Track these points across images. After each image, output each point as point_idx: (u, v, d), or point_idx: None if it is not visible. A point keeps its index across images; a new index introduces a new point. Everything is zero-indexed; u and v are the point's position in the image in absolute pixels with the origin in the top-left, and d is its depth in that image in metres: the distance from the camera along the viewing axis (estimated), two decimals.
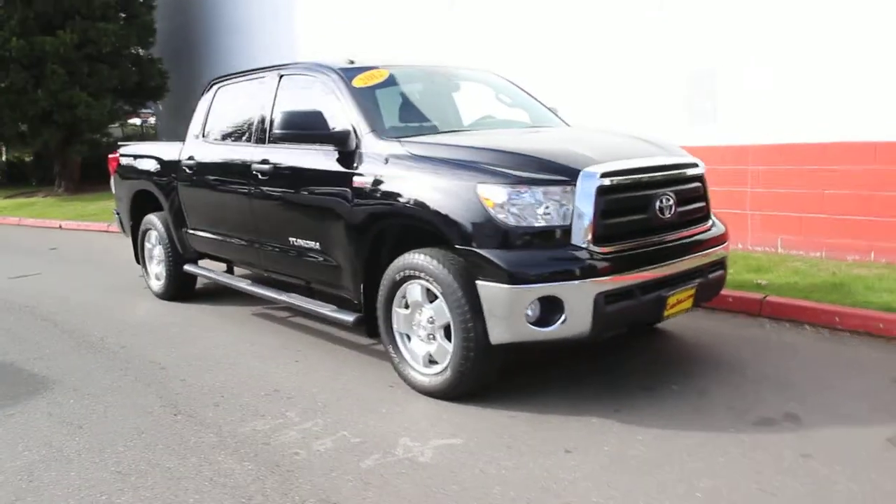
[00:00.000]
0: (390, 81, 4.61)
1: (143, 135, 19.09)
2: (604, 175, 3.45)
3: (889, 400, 3.57)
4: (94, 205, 13.91)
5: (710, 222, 4.07)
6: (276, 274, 5.04)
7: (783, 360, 4.15)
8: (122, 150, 6.94)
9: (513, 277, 3.28)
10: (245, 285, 5.29)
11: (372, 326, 4.10)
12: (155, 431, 3.48)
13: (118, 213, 7.10)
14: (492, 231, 3.37)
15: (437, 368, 3.70)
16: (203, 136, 5.61)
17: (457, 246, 3.46)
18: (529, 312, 3.31)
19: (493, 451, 3.11)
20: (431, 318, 3.68)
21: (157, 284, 6.41)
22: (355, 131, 4.11)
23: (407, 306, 3.84)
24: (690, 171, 3.94)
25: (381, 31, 10.33)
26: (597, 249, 3.40)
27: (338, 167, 4.13)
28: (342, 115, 4.21)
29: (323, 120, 4.13)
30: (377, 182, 3.88)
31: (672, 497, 2.70)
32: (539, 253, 3.37)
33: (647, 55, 7.43)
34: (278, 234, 4.72)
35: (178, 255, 6.10)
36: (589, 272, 3.34)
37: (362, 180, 3.96)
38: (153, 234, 6.36)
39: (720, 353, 4.33)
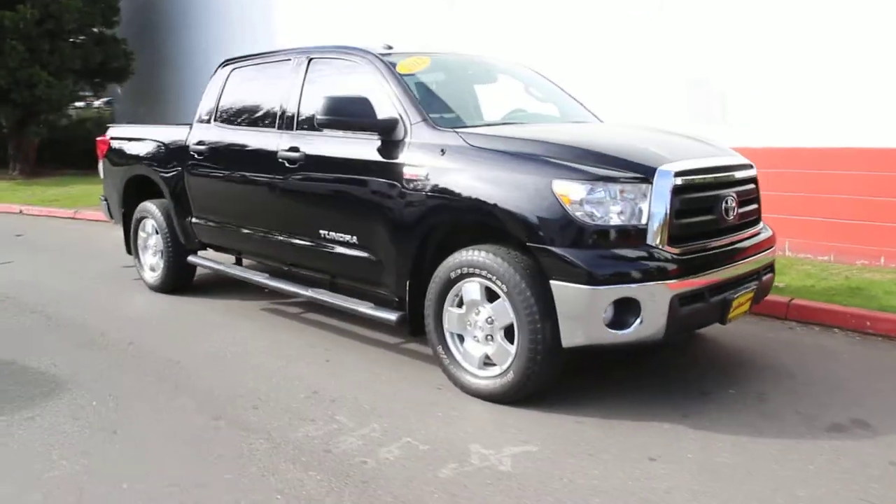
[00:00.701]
0: (431, 69, 4.41)
1: (100, 118, 18.19)
2: (677, 174, 3.34)
3: None
4: (55, 189, 13.24)
5: (761, 224, 4.02)
6: (300, 268, 4.77)
7: (827, 364, 4.11)
8: (112, 133, 6.53)
9: (592, 278, 3.14)
10: (262, 279, 5.00)
11: (415, 325, 3.93)
12: (200, 438, 3.22)
13: (106, 200, 6.67)
14: (568, 229, 3.22)
15: (495, 371, 3.53)
16: (215, 119, 5.28)
17: (528, 244, 3.30)
18: (606, 314, 3.18)
19: (574, 459, 2.97)
20: (490, 318, 3.51)
21: (153, 276, 6.05)
22: (403, 120, 3.91)
23: (460, 305, 3.66)
24: (748, 173, 3.87)
25: (381, 31, 10.13)
26: (670, 250, 3.29)
27: (385, 157, 3.91)
28: (388, 102, 3.98)
29: (370, 107, 3.90)
30: (433, 174, 3.67)
31: None
32: (617, 253, 3.24)
33: (648, 56, 7.41)
34: (307, 225, 4.47)
35: (179, 246, 5.77)
36: (666, 273, 3.23)
37: (415, 172, 3.75)
38: (149, 223, 6.00)
39: (763, 357, 4.26)
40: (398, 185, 3.82)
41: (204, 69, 8.99)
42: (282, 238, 4.68)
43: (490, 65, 5.11)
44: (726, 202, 3.55)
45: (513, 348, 3.43)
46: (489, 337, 3.54)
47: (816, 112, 6.24)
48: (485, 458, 3.00)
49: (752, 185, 3.90)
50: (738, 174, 3.78)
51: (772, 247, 4.04)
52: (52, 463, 2.98)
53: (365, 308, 4.16)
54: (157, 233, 5.93)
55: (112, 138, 6.46)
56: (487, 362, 3.60)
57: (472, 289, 3.56)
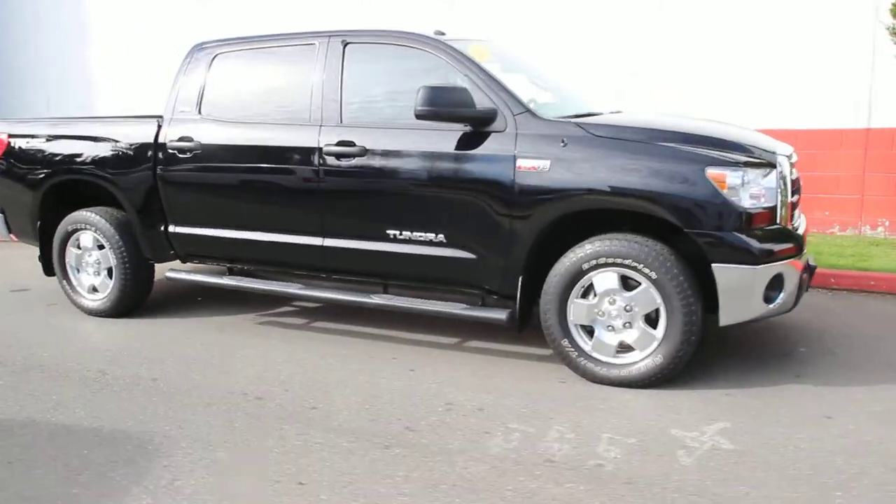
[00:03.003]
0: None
1: None
2: (787, 158, 3.64)
3: None
4: None
5: None
6: (347, 275, 4.30)
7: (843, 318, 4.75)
8: (12, 129, 5.26)
9: (756, 258, 3.32)
10: (297, 290, 4.40)
11: (522, 321, 3.81)
12: (406, 474, 2.80)
13: (2, 212, 5.38)
14: (727, 214, 3.33)
15: (634, 357, 3.56)
16: (202, 112, 4.52)
17: (686, 230, 3.36)
18: (764, 291, 3.37)
19: (769, 428, 3.10)
20: (630, 305, 3.52)
21: (95, 298, 5.05)
22: (502, 110, 3.71)
23: (585, 296, 3.62)
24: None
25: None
26: (791, 228, 3.59)
27: (487, 150, 3.70)
28: (476, 92, 3.75)
29: (471, 97, 3.65)
30: (556, 165, 3.55)
31: None
32: (765, 233, 3.43)
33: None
34: (367, 226, 4.05)
35: (142, 260, 4.88)
36: (796, 250, 3.52)
37: (533, 163, 3.59)
38: (87, 237, 4.98)
39: (793, 318, 4.55)
40: (509, 177, 3.63)
41: None
42: (325, 242, 4.18)
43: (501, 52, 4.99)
44: (795, 185, 3.93)
45: (658, 333, 3.49)
46: (627, 324, 3.56)
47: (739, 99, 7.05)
48: (698, 440, 3.03)
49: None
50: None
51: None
52: None
53: (466, 310, 3.91)
54: (101, 248, 4.94)
55: (13, 136, 5.21)
56: (620, 350, 3.62)
57: (607, 278, 3.54)
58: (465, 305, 3.96)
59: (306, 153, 4.12)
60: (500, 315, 3.81)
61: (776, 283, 3.42)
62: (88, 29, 11.46)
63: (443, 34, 4.16)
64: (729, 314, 3.40)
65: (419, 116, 3.65)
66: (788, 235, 3.52)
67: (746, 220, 3.38)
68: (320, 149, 4.08)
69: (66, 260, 5.10)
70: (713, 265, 3.35)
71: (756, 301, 3.38)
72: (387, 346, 4.34)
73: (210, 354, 4.26)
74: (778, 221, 3.51)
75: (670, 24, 7.40)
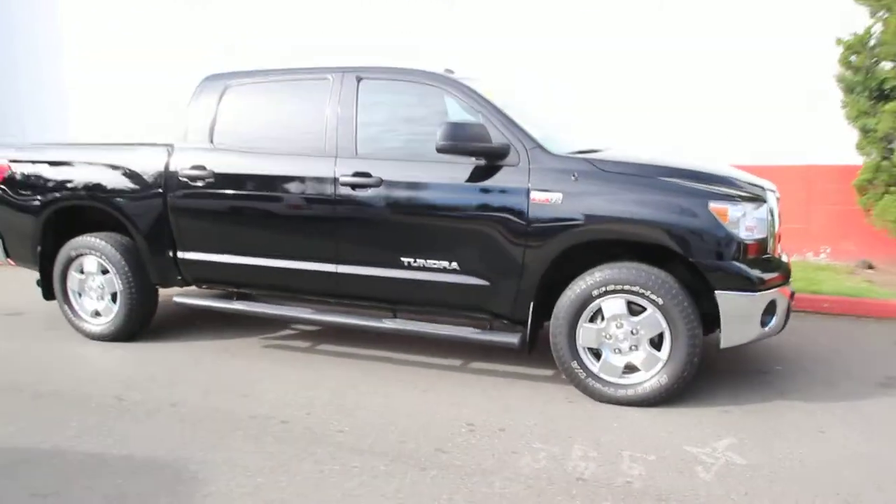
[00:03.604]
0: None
1: None
2: (773, 193, 3.75)
3: None
4: None
5: None
6: (363, 301, 4.20)
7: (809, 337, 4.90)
8: (12, 155, 4.96)
9: (755, 285, 3.39)
10: (311, 315, 4.26)
11: (531, 344, 3.79)
12: (452, 495, 2.72)
13: (1, 237, 5.05)
14: (729, 245, 3.40)
15: (639, 378, 3.58)
16: (214, 142, 4.36)
17: (692, 259, 3.41)
18: (761, 316, 3.44)
19: (775, 441, 3.16)
20: (635, 329, 3.54)
21: (98, 323, 4.78)
22: (515, 145, 3.70)
23: (593, 320, 3.62)
24: None
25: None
26: (779, 258, 3.68)
27: (500, 182, 3.68)
28: (490, 128, 3.73)
29: (487, 132, 3.64)
30: (568, 198, 3.56)
31: None
32: (762, 263, 3.51)
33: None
34: (382, 254, 3.96)
35: (147, 285, 4.66)
36: (786, 278, 3.62)
37: (546, 196, 3.59)
38: (91, 262, 4.72)
39: (796, 342, 4.73)
40: (523, 209, 3.62)
41: None
42: (339, 269, 4.07)
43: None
44: (779, 218, 4.04)
45: (662, 354, 3.52)
46: (633, 347, 3.57)
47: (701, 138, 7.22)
48: (711, 455, 3.05)
49: None
50: None
51: None
52: None
53: (478, 334, 3.86)
54: (105, 272, 4.69)
55: (14, 161, 4.92)
56: (626, 371, 3.63)
57: (615, 304, 3.55)
58: (477, 330, 3.91)
59: (322, 183, 4.02)
60: (513, 339, 3.77)
61: (770, 308, 3.50)
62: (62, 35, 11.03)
63: (452, 72, 4.15)
64: (729, 337, 3.46)
65: (440, 150, 3.62)
66: (778, 264, 3.62)
67: (744, 251, 3.45)
68: (336, 179, 3.99)
69: (68, 284, 4.82)
70: (717, 292, 3.40)
71: (754, 325, 3.45)
72: (394, 369, 4.24)
73: (224, 378, 4.07)
74: (769, 251, 3.61)
75: (639, 69, 7.58)
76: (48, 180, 4.78)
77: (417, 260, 3.90)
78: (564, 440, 3.21)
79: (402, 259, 3.92)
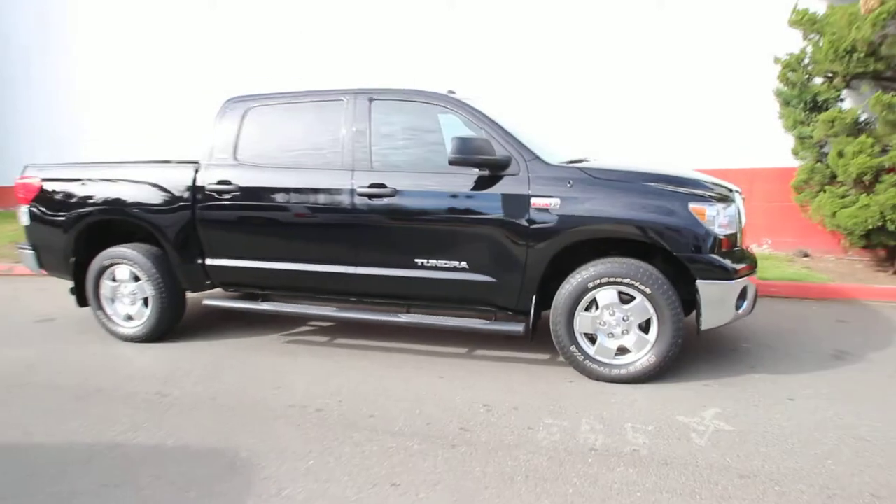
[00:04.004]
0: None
1: None
2: (739, 194, 3.88)
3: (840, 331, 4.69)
4: None
5: None
6: (379, 299, 4.19)
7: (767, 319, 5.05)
8: (44, 174, 4.82)
9: (731, 275, 3.50)
10: (334, 312, 4.24)
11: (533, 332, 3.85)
12: (484, 468, 2.76)
13: (34, 249, 4.91)
14: (707, 240, 3.51)
15: (630, 358, 3.67)
16: (237, 159, 4.32)
17: (676, 253, 3.51)
18: (734, 301, 3.56)
19: (753, 410, 3.27)
20: (626, 316, 3.63)
21: (131, 326, 4.69)
22: (516, 157, 3.76)
23: (589, 309, 3.70)
24: None
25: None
26: (746, 251, 3.82)
27: (503, 190, 3.73)
28: (493, 142, 3.78)
29: (491, 146, 3.68)
30: (565, 203, 3.63)
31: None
32: (734, 254, 3.63)
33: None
34: (397, 256, 3.98)
35: (177, 290, 4.59)
36: (754, 267, 3.75)
37: (545, 201, 3.66)
38: (124, 270, 4.63)
39: (755, 322, 4.81)
40: (525, 213, 3.68)
41: None
42: (357, 271, 4.08)
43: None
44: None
45: (650, 337, 3.61)
46: (624, 332, 3.66)
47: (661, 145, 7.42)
48: (702, 423, 3.14)
49: None
50: None
51: None
52: None
53: (487, 325, 3.91)
54: (136, 280, 4.60)
55: (46, 180, 4.78)
56: (618, 353, 3.71)
57: (608, 295, 3.64)
58: (485, 321, 3.96)
59: (340, 194, 4.02)
60: (518, 328, 3.84)
61: (742, 294, 3.63)
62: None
63: (454, 92, 4.18)
64: (708, 321, 3.57)
65: (452, 162, 3.66)
66: (747, 256, 3.75)
67: (719, 245, 3.57)
68: (354, 190, 3.99)
69: (101, 292, 4.71)
70: (698, 282, 3.51)
71: (729, 309, 3.57)
72: (407, 358, 4.24)
73: (254, 373, 4.04)
74: (738, 245, 3.74)
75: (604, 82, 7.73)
76: (81, 197, 4.66)
77: (430, 261, 3.93)
78: (572, 416, 3.28)
79: (416, 260, 3.95)
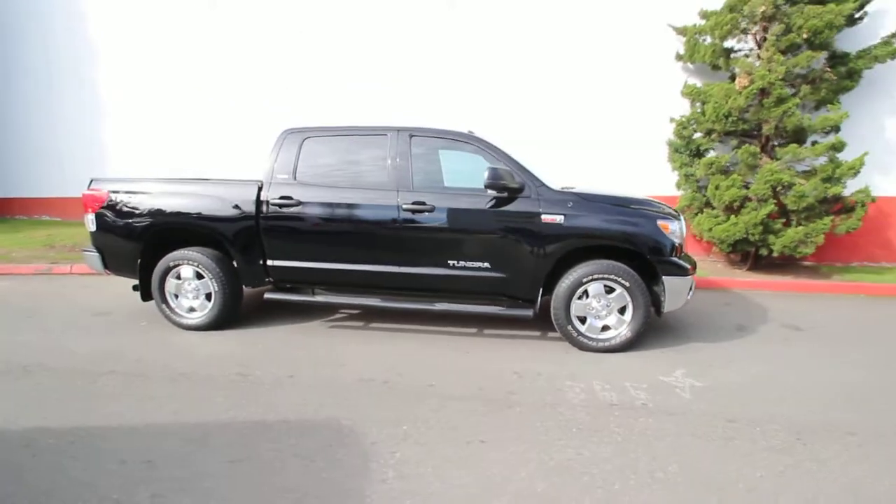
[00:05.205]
0: None
1: None
2: (681, 213, 4.00)
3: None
4: None
5: None
6: (418, 291, 3.91)
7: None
8: (109, 186, 4.16)
9: (687, 272, 3.60)
10: (377, 302, 3.92)
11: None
12: (543, 423, 2.61)
13: (100, 252, 4.21)
14: (670, 247, 3.59)
15: (611, 334, 3.67)
16: (296, 179, 3.92)
17: (649, 257, 3.55)
18: (687, 291, 3.66)
19: (711, 370, 3.33)
20: (608, 303, 3.63)
21: (194, 317, 4.13)
22: (528, 184, 3.67)
23: (580, 298, 3.67)
24: None
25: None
26: (689, 255, 3.94)
27: (519, 208, 3.63)
28: (514, 174, 3.65)
29: (512, 175, 3.57)
30: (568, 219, 3.59)
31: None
32: (684, 258, 3.73)
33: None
34: (434, 258, 3.76)
35: (235, 287, 4.10)
36: (695, 268, 3.86)
37: (552, 217, 3.59)
38: (188, 269, 4.09)
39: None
40: (537, 227, 3.61)
41: None
42: (398, 270, 3.82)
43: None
44: None
45: (626, 318, 3.64)
46: (607, 314, 3.66)
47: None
48: (679, 381, 3.17)
49: None
50: None
51: None
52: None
53: (504, 310, 3.77)
54: (200, 277, 4.08)
55: (113, 192, 4.12)
56: (602, 330, 3.70)
57: (596, 287, 3.63)
58: (500, 307, 3.84)
59: (388, 209, 3.76)
60: (528, 312, 3.75)
61: (691, 287, 3.74)
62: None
63: (472, 132, 4.04)
64: (669, 306, 3.65)
65: (487, 186, 3.53)
66: (691, 259, 3.87)
67: (676, 251, 3.67)
68: (399, 206, 3.74)
69: (166, 288, 4.12)
70: (664, 277, 3.58)
71: (683, 297, 3.66)
72: (433, 338, 3.99)
73: (317, 353, 3.66)
74: (684, 251, 3.86)
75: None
76: (150, 207, 4.05)
77: (460, 262, 3.75)
78: (583, 379, 3.22)
79: (449, 262, 3.76)
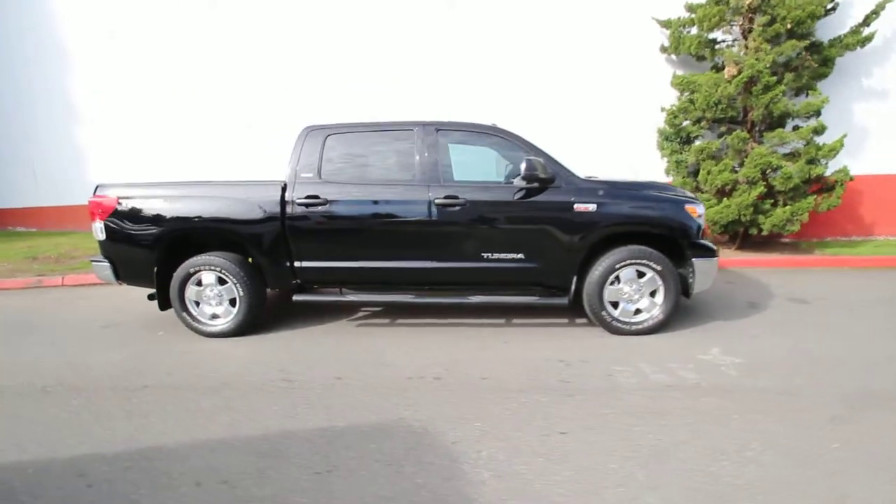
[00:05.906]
0: None
1: None
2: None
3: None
4: None
5: None
6: (451, 286, 3.78)
7: None
8: (119, 192, 3.81)
9: (715, 254, 3.63)
10: (413, 299, 3.76)
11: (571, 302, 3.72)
12: (606, 410, 2.56)
13: (110, 261, 3.87)
14: (697, 230, 3.61)
15: (644, 317, 3.67)
16: (321, 177, 3.70)
17: (680, 240, 3.55)
18: (714, 272, 3.68)
19: (746, 347, 3.33)
20: (640, 287, 3.63)
21: (218, 324, 3.87)
22: (559, 175, 3.60)
23: (613, 283, 3.64)
24: None
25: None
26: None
27: (551, 198, 3.55)
28: (547, 165, 3.57)
29: (545, 167, 3.48)
30: (599, 206, 3.54)
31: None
32: (708, 240, 3.75)
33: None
34: (468, 252, 3.64)
35: (259, 291, 3.86)
36: (718, 250, 3.90)
37: (585, 206, 3.54)
38: (209, 275, 3.82)
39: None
40: (570, 216, 3.54)
41: None
42: (432, 265, 3.68)
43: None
44: None
45: (658, 301, 3.64)
46: (639, 298, 3.65)
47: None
48: (718, 358, 3.18)
49: None
50: None
51: None
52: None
53: (540, 300, 3.71)
54: (223, 283, 3.82)
55: (123, 198, 3.79)
56: (635, 314, 3.69)
57: (629, 272, 3.62)
58: (535, 297, 3.76)
59: (420, 204, 3.61)
60: (563, 300, 3.70)
61: (716, 268, 3.78)
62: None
63: (496, 125, 3.91)
64: (698, 287, 3.67)
65: (525, 178, 3.44)
66: (713, 242, 3.91)
67: (702, 234, 3.69)
68: (431, 201, 3.60)
69: (186, 295, 3.84)
70: (693, 259, 3.59)
71: (711, 278, 3.70)
72: (465, 331, 3.87)
73: (354, 354, 3.47)
74: (707, 234, 3.89)
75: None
76: (167, 212, 3.75)
77: (494, 255, 3.65)
78: (630, 362, 3.19)
79: (483, 254, 3.65)
